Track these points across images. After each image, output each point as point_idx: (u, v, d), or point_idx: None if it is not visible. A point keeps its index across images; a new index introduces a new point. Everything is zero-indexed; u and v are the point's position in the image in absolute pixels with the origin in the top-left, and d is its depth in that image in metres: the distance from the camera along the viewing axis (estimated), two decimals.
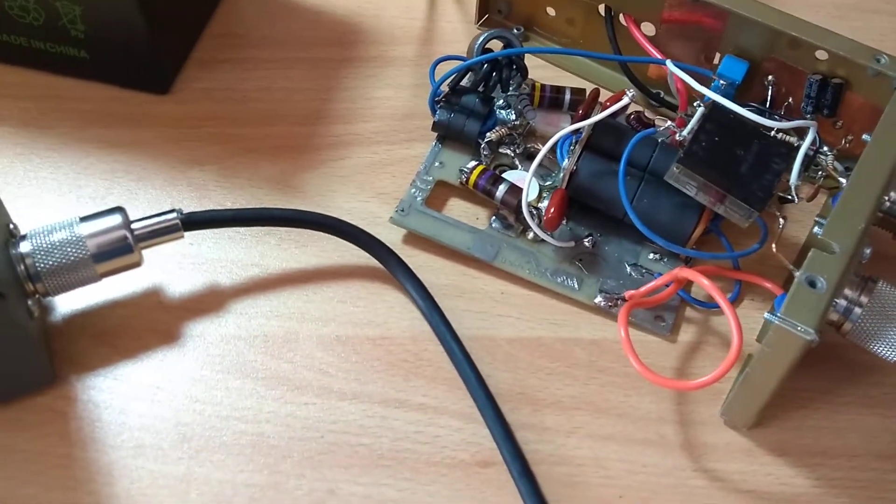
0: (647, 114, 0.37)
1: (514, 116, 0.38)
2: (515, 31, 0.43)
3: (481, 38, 0.37)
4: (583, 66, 0.42)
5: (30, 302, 0.30)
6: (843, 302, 0.30)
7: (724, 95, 0.37)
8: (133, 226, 0.32)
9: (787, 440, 0.32)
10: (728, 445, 0.32)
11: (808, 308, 0.27)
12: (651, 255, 0.36)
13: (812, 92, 0.36)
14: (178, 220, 0.32)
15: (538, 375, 0.33)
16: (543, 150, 0.34)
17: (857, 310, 0.30)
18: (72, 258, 0.31)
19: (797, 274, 0.28)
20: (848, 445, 0.32)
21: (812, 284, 0.28)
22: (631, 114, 0.35)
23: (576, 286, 0.35)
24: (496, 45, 0.38)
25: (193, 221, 0.33)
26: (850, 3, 0.46)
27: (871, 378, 0.34)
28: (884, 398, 0.33)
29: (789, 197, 0.33)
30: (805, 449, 0.32)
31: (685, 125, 0.34)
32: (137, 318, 0.33)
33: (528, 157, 0.38)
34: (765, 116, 0.36)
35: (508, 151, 0.38)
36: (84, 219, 0.31)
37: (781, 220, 0.33)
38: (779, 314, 0.27)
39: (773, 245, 0.32)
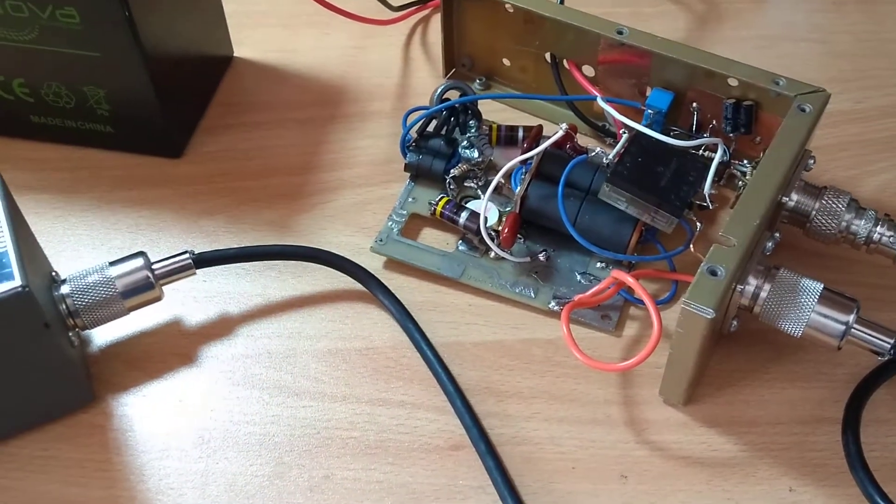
0: (581, 143, 0.43)
1: (476, 154, 0.44)
2: (478, 81, 0.49)
3: (440, 89, 0.43)
4: (537, 107, 0.48)
5: (70, 334, 0.37)
6: (751, 288, 0.35)
7: (654, 123, 0.43)
8: (153, 266, 0.38)
9: (718, 413, 0.37)
10: (666, 420, 0.37)
11: (709, 292, 0.33)
12: (598, 265, 0.41)
13: (728, 114, 0.42)
14: (190, 259, 0.39)
15: (501, 372, 0.39)
16: (496, 179, 0.40)
17: (763, 294, 0.35)
18: (103, 296, 0.37)
19: (701, 265, 0.34)
20: (772, 415, 0.37)
21: (713, 273, 0.33)
22: (569, 145, 0.41)
23: (532, 295, 0.41)
24: (454, 95, 0.44)
25: (204, 260, 0.39)
26: (777, 34, 0.52)
27: (795, 356, 0.39)
28: (805, 372, 0.38)
29: (705, 204, 0.38)
30: (734, 420, 0.37)
31: None
32: (162, 345, 0.40)
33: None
34: (682, 140, 0.41)
35: (472, 184, 0.44)
36: (112, 263, 0.38)
37: (698, 225, 0.38)
38: (684, 299, 0.33)
39: (692, 246, 0.38)
